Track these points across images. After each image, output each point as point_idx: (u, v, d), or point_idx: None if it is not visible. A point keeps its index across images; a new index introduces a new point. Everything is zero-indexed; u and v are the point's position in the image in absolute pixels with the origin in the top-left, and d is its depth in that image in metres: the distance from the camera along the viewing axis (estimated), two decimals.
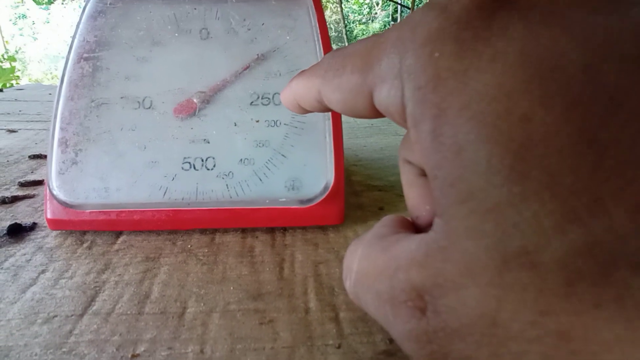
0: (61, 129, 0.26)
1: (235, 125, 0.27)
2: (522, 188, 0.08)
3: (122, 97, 0.27)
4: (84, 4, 0.28)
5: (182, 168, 0.26)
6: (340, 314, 0.19)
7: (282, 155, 0.27)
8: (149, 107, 0.27)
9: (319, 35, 0.28)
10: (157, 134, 0.26)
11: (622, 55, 0.08)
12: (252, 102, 0.27)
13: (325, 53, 0.27)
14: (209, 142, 0.27)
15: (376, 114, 0.12)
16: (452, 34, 0.09)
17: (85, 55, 0.26)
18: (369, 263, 0.12)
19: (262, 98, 0.27)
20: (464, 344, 0.09)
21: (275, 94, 0.28)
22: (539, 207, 0.08)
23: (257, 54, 0.28)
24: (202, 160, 0.27)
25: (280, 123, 0.27)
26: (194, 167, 0.26)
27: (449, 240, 0.09)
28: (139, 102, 0.27)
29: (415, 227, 0.14)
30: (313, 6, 0.28)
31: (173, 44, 0.28)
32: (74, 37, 0.27)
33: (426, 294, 0.10)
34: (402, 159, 0.15)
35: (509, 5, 0.09)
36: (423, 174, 0.14)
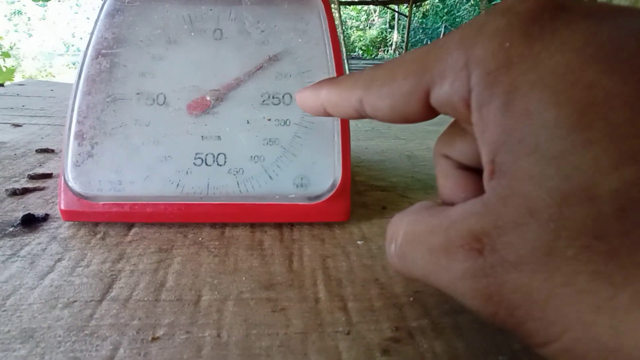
0: (78, 122, 0.26)
1: (248, 122, 0.27)
2: (585, 137, 0.09)
3: (137, 93, 0.28)
4: (102, 1, 0.29)
5: (194, 163, 0.27)
6: (349, 304, 0.20)
7: (292, 153, 0.27)
8: (163, 104, 0.28)
9: (330, 39, 0.29)
10: (170, 130, 0.27)
11: None
12: (263, 102, 0.28)
13: (335, 56, 0.29)
14: (220, 139, 0.28)
15: (427, 114, 0.13)
16: (520, 28, 0.11)
17: (103, 51, 0.27)
18: (419, 225, 0.13)
19: (273, 98, 0.28)
20: (519, 273, 0.10)
21: (285, 94, 0.29)
22: (599, 150, 0.09)
23: (269, 55, 0.29)
24: (214, 156, 0.27)
25: (290, 122, 0.28)
26: (206, 163, 0.27)
27: (511, 189, 0.10)
28: (153, 98, 0.28)
29: None
30: (324, 10, 0.29)
31: (188, 43, 0.29)
32: (92, 34, 0.28)
33: (484, 237, 0.11)
34: (438, 154, 0.16)
35: (569, 9, 0.11)
36: (459, 167, 0.15)
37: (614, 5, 0.11)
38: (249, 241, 0.25)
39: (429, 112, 0.13)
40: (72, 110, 0.27)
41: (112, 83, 0.27)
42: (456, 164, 0.15)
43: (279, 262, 0.23)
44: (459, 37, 0.12)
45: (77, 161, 0.26)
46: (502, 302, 0.10)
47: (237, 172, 0.27)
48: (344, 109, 0.16)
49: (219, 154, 0.27)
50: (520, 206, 0.10)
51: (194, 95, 0.28)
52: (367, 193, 0.33)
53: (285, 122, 0.28)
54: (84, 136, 0.26)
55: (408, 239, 0.13)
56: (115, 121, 0.27)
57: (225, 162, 0.27)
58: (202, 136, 0.28)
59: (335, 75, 0.28)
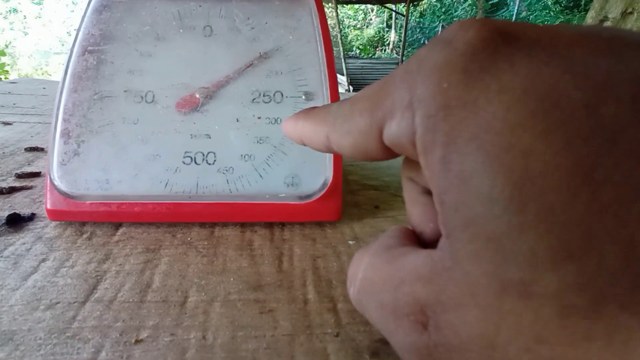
0: (64, 120, 0.26)
1: (237, 121, 0.27)
2: (519, 220, 0.08)
3: (125, 91, 0.27)
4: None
5: (183, 162, 0.27)
6: (338, 305, 0.20)
7: (282, 152, 0.27)
8: (152, 101, 0.27)
9: (321, 36, 0.28)
10: (159, 128, 0.27)
11: (619, 96, 0.08)
12: (253, 100, 0.28)
13: (326, 53, 0.28)
14: (210, 137, 0.27)
15: (387, 153, 0.13)
16: (458, 65, 0.10)
17: (89, 48, 0.27)
18: (374, 272, 0.12)
19: (263, 96, 0.28)
20: None
21: (276, 92, 0.28)
22: (535, 241, 0.08)
23: (260, 53, 0.28)
24: (203, 155, 0.27)
25: (280, 120, 0.28)
26: (195, 162, 0.27)
27: (454, 261, 0.10)
28: (141, 95, 0.27)
29: (420, 241, 0.14)
30: (315, 7, 0.28)
31: (177, 40, 0.28)
32: (78, 30, 0.27)
33: (429, 310, 0.10)
34: (405, 177, 0.15)
35: (513, 41, 0.10)
36: (426, 192, 0.15)
37: (574, 33, 0.09)
38: (239, 241, 0.25)
39: (388, 150, 0.12)
40: (58, 108, 0.26)
41: (99, 80, 0.27)
42: (423, 189, 0.15)
43: (269, 263, 0.23)
44: (403, 72, 0.11)
45: (62, 160, 0.25)
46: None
47: (226, 170, 0.27)
48: (316, 144, 0.15)
49: (208, 153, 0.27)
50: (462, 284, 0.09)
51: (183, 93, 0.27)
52: (360, 192, 0.33)
53: (276, 120, 0.28)
54: (70, 134, 0.26)
55: (364, 286, 0.13)
56: (102, 119, 0.26)
57: (214, 160, 0.27)
58: (191, 134, 0.27)
59: (326, 74, 0.28)
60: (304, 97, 0.28)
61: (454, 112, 0.09)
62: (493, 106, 0.09)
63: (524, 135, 0.08)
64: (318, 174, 0.27)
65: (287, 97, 0.28)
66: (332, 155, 0.27)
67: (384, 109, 0.12)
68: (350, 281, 0.14)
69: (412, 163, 0.15)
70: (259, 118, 0.27)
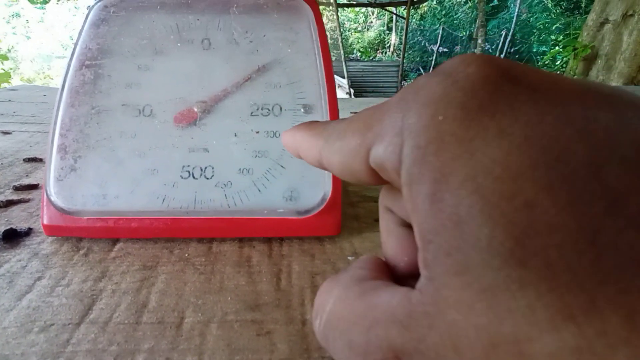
0: (61, 135, 0.26)
1: (235, 135, 0.27)
2: (520, 275, 0.08)
3: (122, 105, 0.27)
4: (87, 11, 0.28)
5: (181, 176, 0.26)
6: None
7: (281, 165, 0.27)
8: (150, 115, 0.27)
9: (320, 49, 0.28)
10: (157, 142, 0.27)
11: (622, 158, 0.08)
12: (252, 113, 0.28)
13: (325, 66, 0.28)
14: (208, 151, 0.27)
15: (373, 177, 0.12)
16: (456, 99, 0.09)
17: (87, 62, 0.27)
18: (344, 307, 0.12)
19: (262, 109, 0.28)
20: None
21: (275, 105, 0.28)
22: (535, 298, 0.08)
23: (258, 65, 0.28)
24: (201, 169, 0.27)
25: (279, 134, 0.28)
26: (193, 176, 0.27)
27: (437, 307, 0.09)
28: (139, 109, 0.27)
29: (393, 274, 0.14)
30: (314, 20, 0.28)
31: (175, 54, 0.28)
32: (75, 44, 0.27)
33: (404, 357, 0.10)
34: (382, 207, 0.15)
35: (514, 83, 0.09)
36: (404, 224, 0.14)
37: (576, 85, 0.09)
38: (237, 257, 0.25)
39: (374, 173, 0.12)
40: (55, 123, 0.26)
41: (96, 95, 0.26)
42: (399, 220, 0.14)
43: (267, 280, 0.23)
44: (398, 99, 0.11)
45: (59, 175, 0.25)
46: None
47: (225, 185, 0.27)
48: (310, 159, 0.15)
49: (206, 167, 0.27)
50: (445, 334, 0.09)
51: (181, 107, 0.27)
52: (360, 204, 0.32)
53: (274, 134, 0.28)
54: (67, 150, 0.26)
55: (332, 321, 0.12)
56: (100, 134, 0.26)
57: (212, 175, 0.27)
58: (190, 148, 0.27)
59: (325, 87, 0.28)
60: (302, 110, 0.28)
61: (447, 148, 0.09)
62: (492, 149, 0.09)
63: (526, 185, 0.08)
64: (317, 188, 0.26)
65: (286, 110, 0.28)
66: None
67: (375, 131, 0.11)
68: (317, 313, 0.13)
69: (391, 192, 0.14)
70: (257, 133, 0.27)
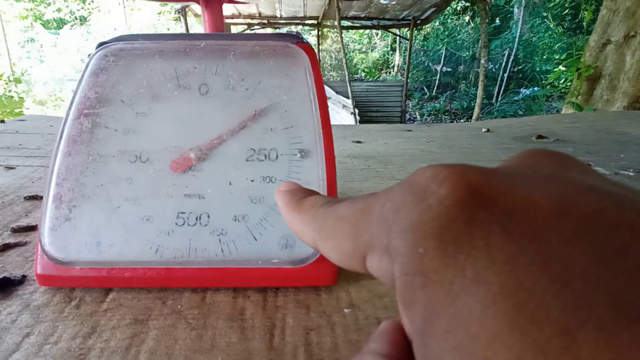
0: (57, 184, 0.26)
1: (231, 184, 0.27)
2: None
3: (119, 151, 0.27)
4: (87, 59, 0.28)
5: (176, 223, 0.26)
6: None
7: (277, 212, 0.27)
8: (146, 161, 0.27)
9: (316, 94, 0.28)
10: (152, 189, 0.27)
11: (598, 324, 0.07)
12: (248, 158, 0.28)
13: (321, 112, 0.28)
14: (203, 198, 0.27)
15: (374, 275, 0.13)
16: (433, 230, 0.09)
17: (85, 111, 0.27)
18: None
19: (258, 154, 0.28)
20: None
21: (271, 149, 0.28)
22: None
23: (255, 111, 0.28)
24: (197, 217, 0.26)
25: (275, 179, 0.27)
26: (188, 223, 0.26)
27: None
28: (136, 155, 0.27)
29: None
30: (310, 66, 0.28)
31: (172, 100, 0.28)
32: (75, 93, 0.27)
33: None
34: None
35: (488, 207, 0.09)
36: None
37: (551, 208, 0.09)
38: (230, 309, 0.24)
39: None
40: (52, 173, 0.26)
41: (93, 143, 0.27)
42: None
43: (260, 337, 0.22)
44: (378, 213, 0.11)
45: (53, 225, 0.25)
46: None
47: (220, 232, 0.26)
48: (305, 242, 0.15)
49: (201, 214, 0.27)
50: None
51: (177, 153, 0.27)
52: None
53: (270, 179, 0.27)
54: (62, 199, 0.26)
55: None
56: (95, 182, 0.26)
57: (208, 222, 0.26)
58: (185, 195, 0.27)
59: (321, 132, 0.28)
60: (299, 154, 0.28)
61: (431, 286, 0.09)
62: (470, 298, 0.08)
63: (500, 352, 0.08)
64: None
65: (282, 154, 0.28)
66: None
67: (365, 241, 0.12)
68: None
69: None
70: (252, 181, 0.27)
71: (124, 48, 0.28)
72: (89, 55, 0.29)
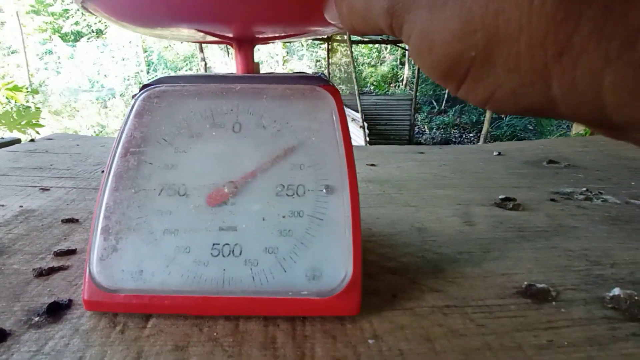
0: (105, 217, 0.28)
1: (264, 220, 0.29)
2: None
3: (161, 186, 0.29)
4: (132, 101, 0.31)
5: (211, 254, 0.28)
6: None
7: (305, 245, 0.29)
8: (184, 195, 0.29)
9: (341, 135, 0.30)
10: (190, 221, 0.29)
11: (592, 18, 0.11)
12: (277, 193, 0.30)
13: (346, 151, 0.30)
14: (236, 230, 0.29)
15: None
16: None
17: (131, 149, 0.29)
18: None
19: (287, 189, 0.30)
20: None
21: (299, 185, 0.30)
22: None
23: (284, 149, 0.31)
24: (230, 247, 0.29)
25: (303, 214, 0.29)
26: (222, 254, 0.28)
27: None
28: (176, 189, 0.29)
29: None
30: (337, 110, 0.31)
31: (209, 137, 0.31)
32: (121, 132, 0.30)
33: (395, 14, 0.15)
34: None
35: None
36: None
37: None
38: (262, 338, 0.26)
39: None
40: (100, 206, 0.28)
41: (138, 179, 0.29)
42: None
43: None
44: None
45: (102, 256, 0.27)
46: (396, 17, 0.15)
47: (252, 263, 0.28)
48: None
49: (235, 245, 0.29)
50: None
51: (213, 187, 0.29)
52: (379, 277, 0.34)
53: (298, 214, 0.29)
54: (110, 231, 0.28)
55: None
56: (140, 215, 0.29)
57: (240, 253, 0.29)
58: (220, 227, 0.29)
59: (346, 169, 0.30)
60: (325, 190, 0.30)
61: None
62: None
63: None
64: (339, 268, 0.28)
65: (309, 190, 0.30)
66: (352, 247, 0.28)
67: None
68: None
69: None
70: (284, 217, 0.29)
71: (166, 90, 0.31)
72: (134, 96, 0.32)
